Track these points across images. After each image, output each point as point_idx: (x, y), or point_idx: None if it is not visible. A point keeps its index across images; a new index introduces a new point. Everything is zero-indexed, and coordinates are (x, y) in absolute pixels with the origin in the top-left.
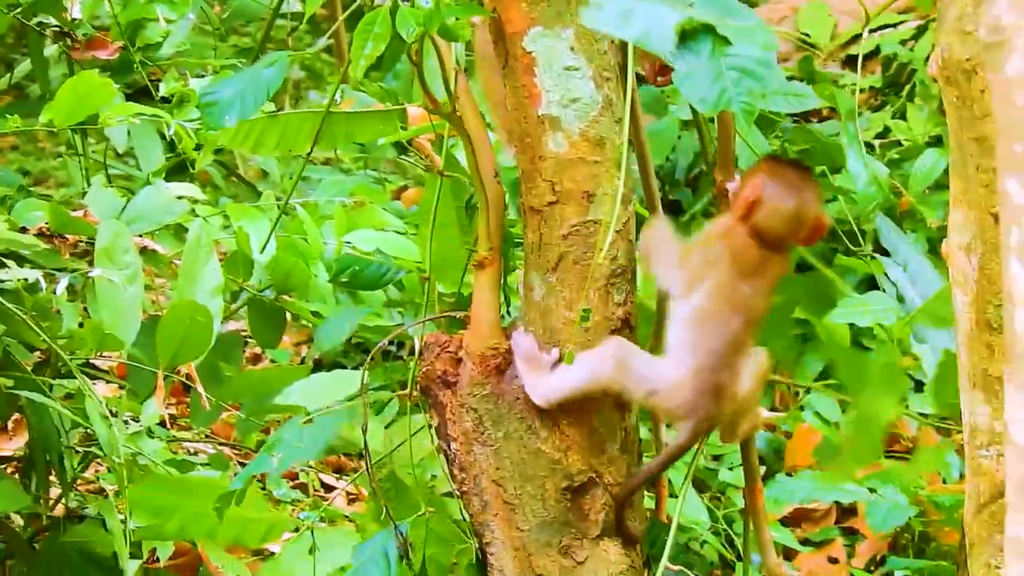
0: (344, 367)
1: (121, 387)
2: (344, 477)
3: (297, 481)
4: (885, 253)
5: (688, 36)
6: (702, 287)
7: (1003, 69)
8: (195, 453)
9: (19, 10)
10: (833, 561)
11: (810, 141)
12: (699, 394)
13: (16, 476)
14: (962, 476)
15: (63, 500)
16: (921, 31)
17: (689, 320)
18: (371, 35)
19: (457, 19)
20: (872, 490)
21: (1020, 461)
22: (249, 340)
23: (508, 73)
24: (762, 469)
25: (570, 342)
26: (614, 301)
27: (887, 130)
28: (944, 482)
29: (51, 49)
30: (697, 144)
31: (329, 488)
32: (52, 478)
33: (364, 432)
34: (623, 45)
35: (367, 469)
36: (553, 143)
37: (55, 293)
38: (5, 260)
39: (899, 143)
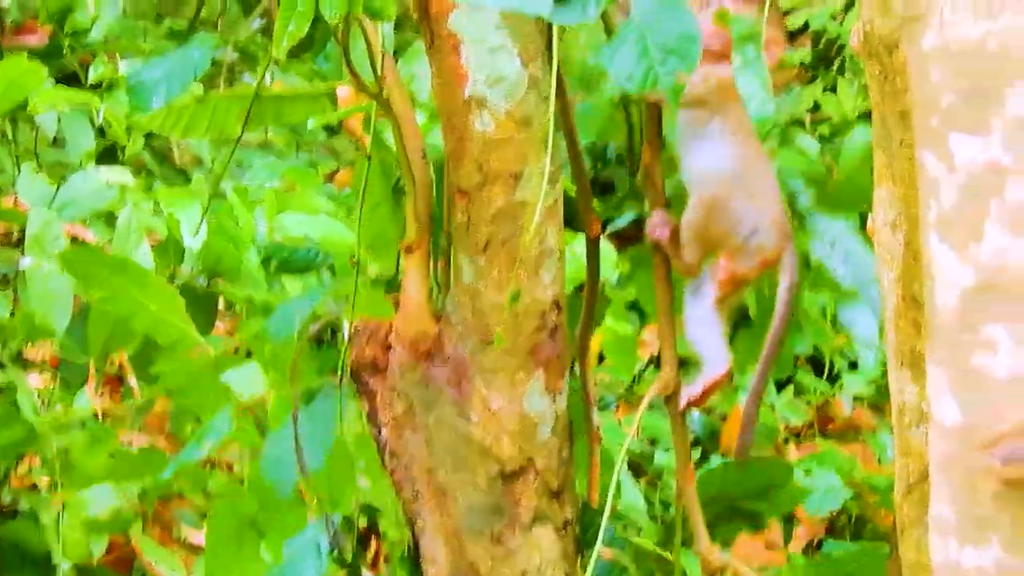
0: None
1: (54, 377)
2: None
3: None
4: None
5: None
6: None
7: (920, 43)
8: (129, 444)
9: None
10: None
11: None
12: (787, 233)
13: None
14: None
15: None
16: (850, 5)
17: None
18: (294, 14)
19: None
20: (807, 472)
21: (941, 439)
22: None
23: (433, 53)
24: (697, 452)
25: (500, 324)
26: (543, 283)
27: (818, 106)
28: (880, 462)
29: None
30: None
31: None
32: None
33: (295, 421)
34: (548, 24)
35: (298, 459)
36: (480, 123)
37: None
38: None
39: (830, 119)
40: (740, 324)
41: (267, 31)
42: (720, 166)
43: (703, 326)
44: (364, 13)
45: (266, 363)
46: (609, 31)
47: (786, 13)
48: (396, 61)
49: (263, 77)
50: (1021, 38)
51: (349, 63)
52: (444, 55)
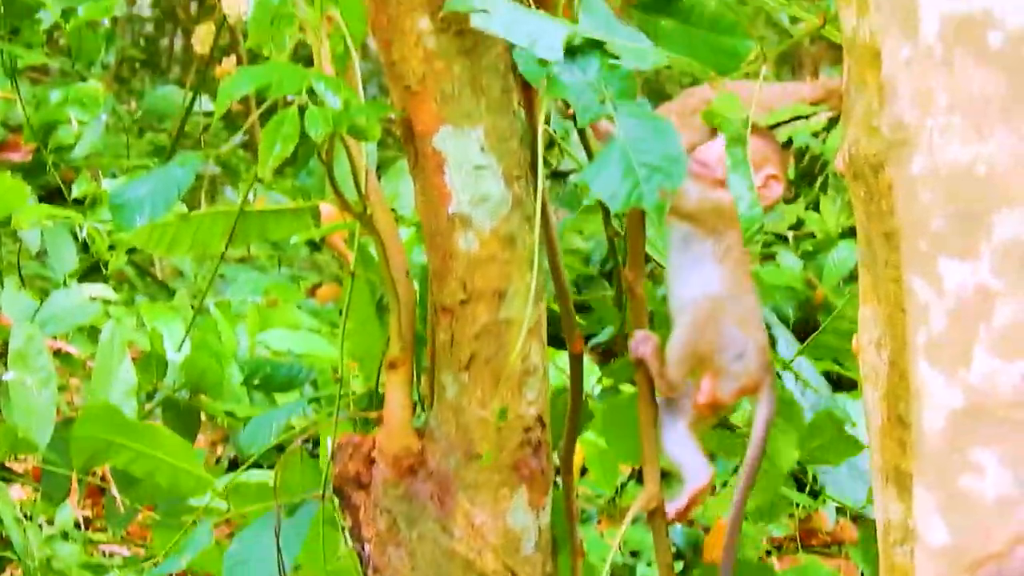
0: (260, 466)
1: (36, 490)
2: None
3: None
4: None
5: (575, 50)
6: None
7: (907, 167)
8: (110, 556)
9: None
10: None
11: None
12: (768, 360)
13: None
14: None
15: None
16: (833, 123)
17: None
18: (279, 135)
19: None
20: None
21: (929, 560)
22: None
23: (418, 172)
24: (679, 564)
25: (484, 441)
26: (527, 400)
27: (801, 222)
28: None
29: None
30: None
31: None
32: None
33: (277, 536)
34: (533, 142)
35: (281, 572)
36: (464, 241)
37: None
38: None
39: (813, 235)
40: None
41: (249, 145)
42: (713, 289)
43: (681, 444)
44: (348, 133)
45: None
46: (588, 150)
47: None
48: (379, 178)
49: (247, 195)
50: (1009, 163)
51: (333, 182)
52: (428, 174)
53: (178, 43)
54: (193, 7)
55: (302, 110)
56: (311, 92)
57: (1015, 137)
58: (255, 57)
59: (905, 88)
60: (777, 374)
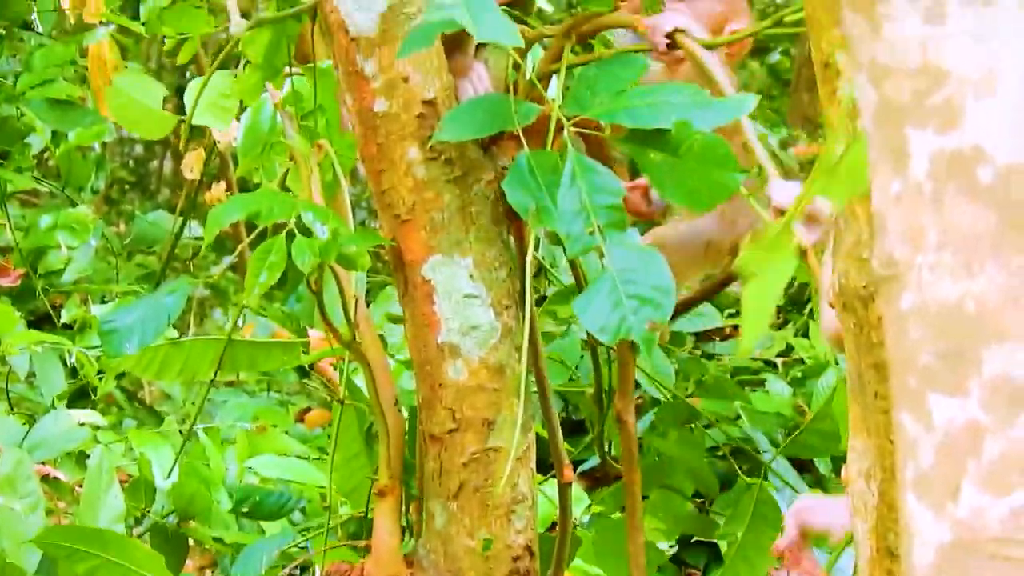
0: None
1: None
2: None
3: None
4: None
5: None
6: None
7: (897, 303)
8: None
9: None
10: None
11: (702, 372)
12: None
13: None
14: None
15: None
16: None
17: None
18: (266, 264)
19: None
20: None
21: None
22: None
23: (407, 301)
24: None
25: (472, 571)
26: (515, 529)
27: (790, 348)
28: None
29: None
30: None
31: None
32: None
33: None
34: (522, 271)
35: None
36: (453, 371)
37: None
38: None
39: (802, 361)
40: None
41: (238, 267)
42: None
43: None
44: (337, 262)
45: None
46: (578, 279)
47: None
48: (368, 304)
49: (236, 323)
50: (999, 298)
51: (322, 310)
52: (418, 303)
53: (168, 166)
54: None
55: (291, 236)
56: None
57: (1005, 273)
58: (245, 182)
59: (895, 224)
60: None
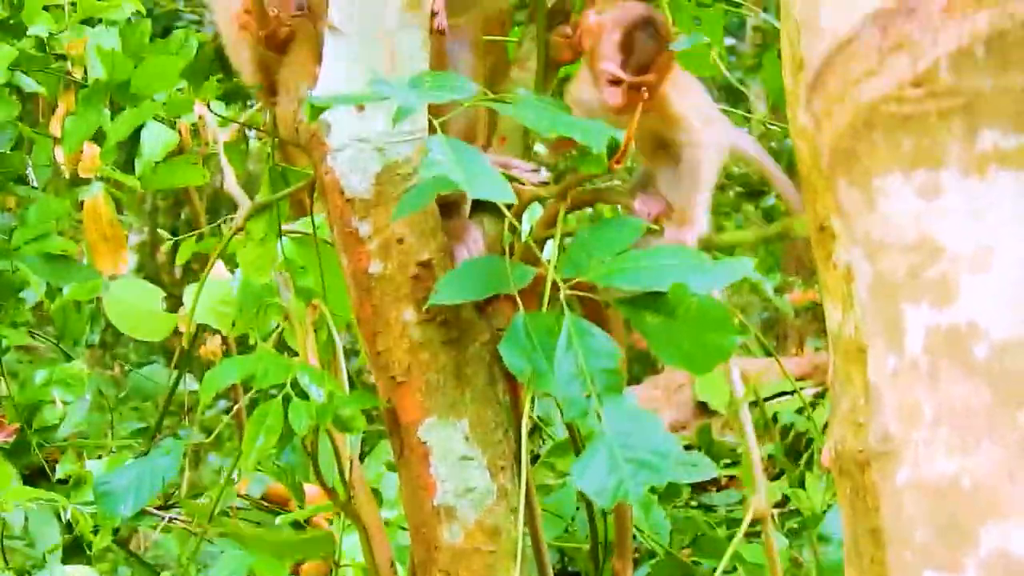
0: None
1: None
2: None
3: None
4: None
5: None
6: None
7: (893, 478)
8: None
9: None
10: None
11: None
12: None
13: None
14: None
15: None
16: (819, 398)
17: None
18: (263, 428)
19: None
20: None
21: None
22: None
23: (403, 463)
24: None
25: None
26: None
27: (786, 499)
28: None
29: None
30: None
31: None
32: None
33: None
34: (517, 432)
35: None
36: (448, 534)
37: None
38: None
39: (798, 512)
40: None
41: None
42: None
43: None
44: (333, 425)
45: None
46: (574, 438)
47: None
48: (363, 460)
49: (231, 474)
50: (995, 474)
51: (317, 470)
52: (413, 465)
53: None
54: (178, 272)
55: (287, 399)
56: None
57: (1001, 449)
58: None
59: (891, 400)
60: None
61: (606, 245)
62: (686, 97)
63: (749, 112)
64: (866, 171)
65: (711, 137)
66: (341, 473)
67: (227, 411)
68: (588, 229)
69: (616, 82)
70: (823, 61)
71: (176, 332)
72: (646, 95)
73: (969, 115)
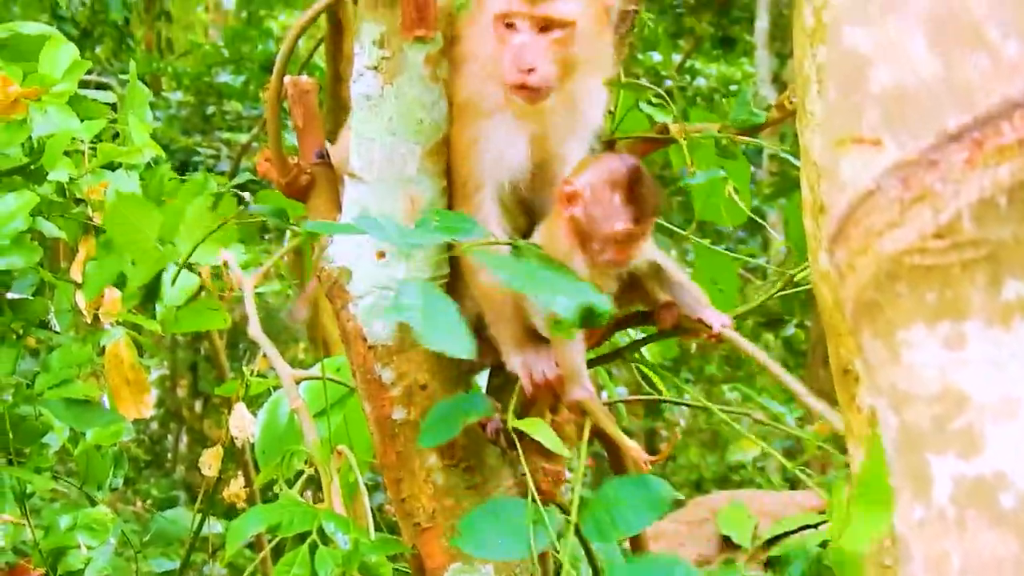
0: None
1: None
2: None
3: None
4: None
5: None
6: None
7: None
8: None
9: None
10: None
11: None
12: None
13: None
14: None
15: None
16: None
17: None
18: (290, 574)
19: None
20: None
21: None
22: None
23: None
24: None
25: None
26: None
27: None
28: None
29: None
30: None
31: None
32: None
33: None
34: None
35: None
36: None
37: None
38: None
39: None
40: None
41: (255, 545)
42: None
43: None
44: (359, 572)
45: None
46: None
47: (776, 538)
48: None
49: None
50: None
51: None
52: None
53: (184, 443)
54: (198, 406)
55: (313, 546)
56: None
57: None
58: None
59: (918, 550)
60: None
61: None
62: None
63: (767, 241)
64: (890, 323)
65: None
66: None
67: (250, 546)
68: (613, 484)
69: (621, 238)
70: (845, 213)
71: (197, 467)
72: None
73: (993, 265)
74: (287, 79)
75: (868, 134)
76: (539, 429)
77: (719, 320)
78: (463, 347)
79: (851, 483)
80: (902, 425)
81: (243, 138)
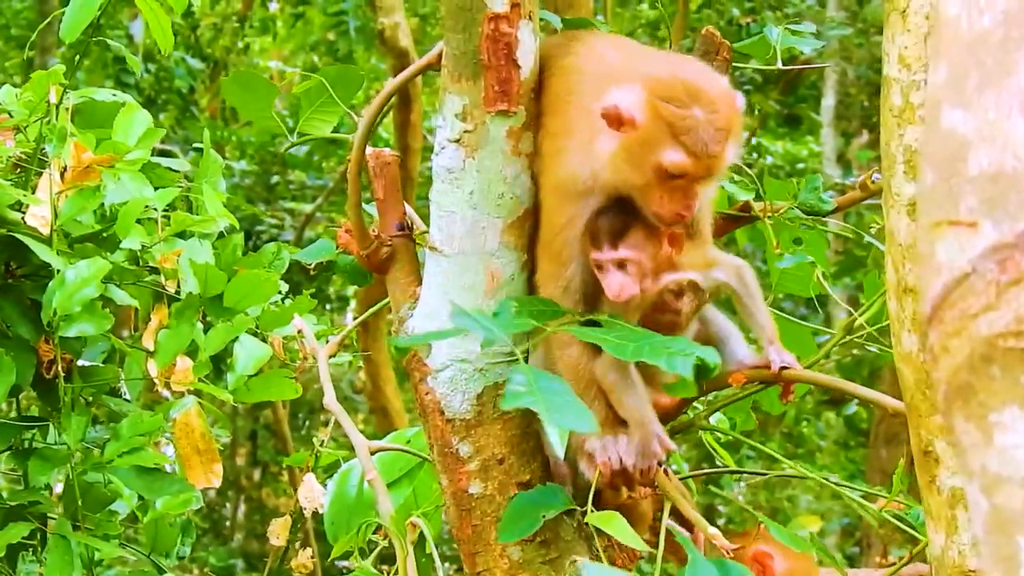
0: None
1: None
2: None
3: None
4: None
5: None
6: None
7: None
8: None
9: None
10: None
11: None
12: None
13: None
14: None
15: None
16: None
17: None
18: None
19: None
20: None
21: None
22: None
23: None
24: None
25: None
26: None
27: None
28: None
29: None
30: None
31: None
32: None
33: None
34: None
35: None
36: None
37: None
38: None
39: None
40: None
41: None
42: None
43: None
44: None
45: None
46: None
47: None
48: None
49: None
50: None
51: None
52: None
53: (241, 511)
54: (256, 474)
55: None
56: None
57: None
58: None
59: None
60: None
61: None
62: None
63: (829, 318)
64: (983, 405)
65: None
66: None
67: None
68: None
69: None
70: (940, 295)
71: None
72: None
73: None
74: (369, 151)
75: (965, 216)
76: (614, 524)
77: (780, 359)
78: (587, 422)
79: (931, 565)
80: (992, 508)
81: (307, 208)
